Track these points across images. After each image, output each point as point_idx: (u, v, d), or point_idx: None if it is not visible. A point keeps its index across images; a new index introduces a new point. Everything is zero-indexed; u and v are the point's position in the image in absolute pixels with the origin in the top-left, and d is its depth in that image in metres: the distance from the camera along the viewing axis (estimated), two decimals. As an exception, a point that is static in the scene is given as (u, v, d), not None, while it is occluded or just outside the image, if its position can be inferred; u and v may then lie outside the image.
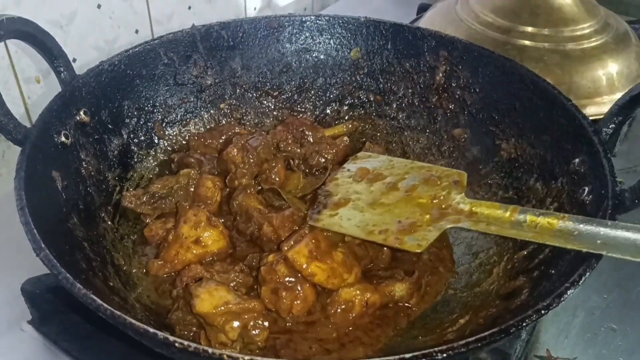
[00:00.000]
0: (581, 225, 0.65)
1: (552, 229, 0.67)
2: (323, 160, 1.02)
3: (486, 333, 0.55)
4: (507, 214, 0.72)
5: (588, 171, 0.76)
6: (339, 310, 0.77)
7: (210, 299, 0.71)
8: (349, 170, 0.90)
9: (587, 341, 0.84)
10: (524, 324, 0.57)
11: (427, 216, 0.77)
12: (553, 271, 0.69)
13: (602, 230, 0.63)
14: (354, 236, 0.80)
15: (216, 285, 0.74)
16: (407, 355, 0.52)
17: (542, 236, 0.67)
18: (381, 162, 0.90)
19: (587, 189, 0.75)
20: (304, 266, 0.77)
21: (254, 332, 0.72)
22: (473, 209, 0.76)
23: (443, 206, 0.79)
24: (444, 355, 0.52)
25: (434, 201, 0.80)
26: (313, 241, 0.79)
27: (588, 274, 0.61)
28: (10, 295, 0.85)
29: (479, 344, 0.54)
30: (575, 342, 0.84)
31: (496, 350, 0.76)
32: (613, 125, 0.77)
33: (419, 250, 0.75)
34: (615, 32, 1.19)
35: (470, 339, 0.54)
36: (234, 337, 0.71)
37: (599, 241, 0.62)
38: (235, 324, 0.71)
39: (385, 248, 0.85)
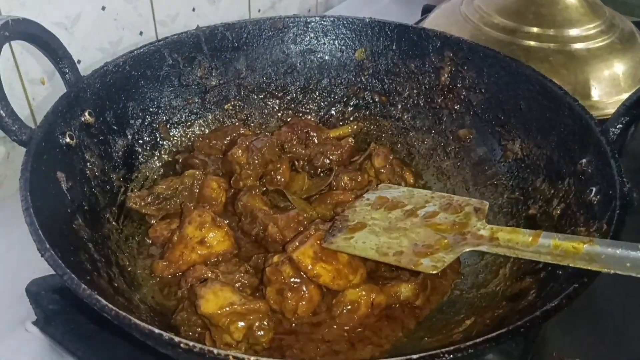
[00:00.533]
0: (609, 249, 0.63)
1: (578, 254, 0.64)
2: (328, 161, 1.02)
3: (494, 334, 0.54)
4: (530, 239, 0.70)
5: (595, 171, 0.75)
6: (344, 311, 0.77)
7: (215, 300, 0.71)
8: (368, 199, 0.89)
9: (594, 343, 0.84)
10: (532, 325, 0.56)
11: (445, 240, 0.76)
12: (560, 272, 0.68)
13: (632, 253, 0.61)
14: (367, 258, 0.79)
15: (221, 286, 0.74)
16: (415, 356, 0.51)
17: (565, 259, 0.65)
18: (401, 193, 0.89)
19: (594, 189, 0.74)
20: (309, 267, 0.77)
21: (259, 332, 0.72)
22: (494, 234, 0.74)
23: (462, 232, 0.77)
24: (451, 356, 0.51)
25: (454, 227, 0.78)
26: (318, 242, 0.79)
27: (597, 276, 0.61)
28: (15, 296, 0.86)
29: (487, 345, 0.54)
30: (582, 343, 0.83)
31: (503, 351, 0.76)
32: (620, 126, 0.77)
33: (434, 272, 0.73)
34: (621, 32, 1.19)
35: (477, 340, 0.54)
36: (239, 338, 0.71)
37: (628, 264, 0.60)
38: (240, 324, 0.71)
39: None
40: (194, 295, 0.74)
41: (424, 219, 0.81)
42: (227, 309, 0.71)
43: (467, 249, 0.74)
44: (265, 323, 0.73)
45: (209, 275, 0.79)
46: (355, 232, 0.81)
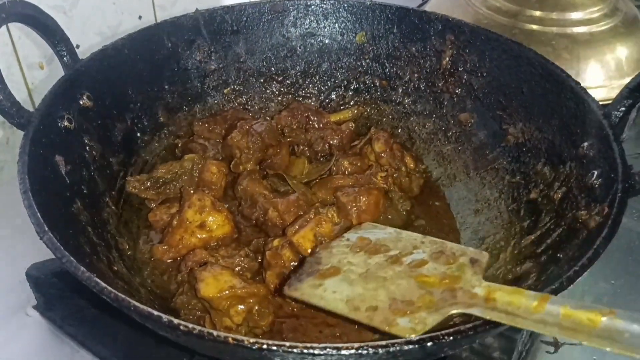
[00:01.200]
0: (635, 326, 0.49)
1: (594, 328, 0.51)
2: (328, 145, 1.02)
3: (494, 317, 0.54)
4: (534, 303, 0.55)
5: (597, 155, 0.75)
6: (344, 294, 0.76)
7: (215, 283, 0.71)
8: (348, 239, 0.78)
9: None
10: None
11: (431, 297, 0.63)
12: (561, 255, 0.68)
13: None
14: (335, 312, 0.66)
15: (221, 269, 0.74)
16: (414, 338, 0.51)
17: (576, 335, 0.51)
18: (387, 234, 0.78)
19: (596, 172, 0.73)
20: (309, 251, 0.77)
21: (259, 316, 0.72)
22: (491, 294, 0.60)
23: (453, 287, 0.64)
24: (452, 338, 0.51)
25: (444, 281, 0.66)
26: (318, 226, 0.79)
27: (597, 258, 0.60)
28: (16, 281, 0.86)
29: (487, 328, 0.53)
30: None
31: (502, 335, 0.76)
32: (623, 109, 0.76)
33: (412, 336, 0.55)
34: (625, 16, 1.18)
35: (477, 323, 0.53)
36: (239, 321, 0.71)
37: None
38: (240, 308, 0.71)
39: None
40: (194, 279, 0.74)
41: (410, 268, 0.69)
42: (227, 292, 0.71)
43: (455, 311, 0.60)
44: (265, 307, 0.73)
45: (209, 259, 0.79)
46: (326, 279, 0.70)
